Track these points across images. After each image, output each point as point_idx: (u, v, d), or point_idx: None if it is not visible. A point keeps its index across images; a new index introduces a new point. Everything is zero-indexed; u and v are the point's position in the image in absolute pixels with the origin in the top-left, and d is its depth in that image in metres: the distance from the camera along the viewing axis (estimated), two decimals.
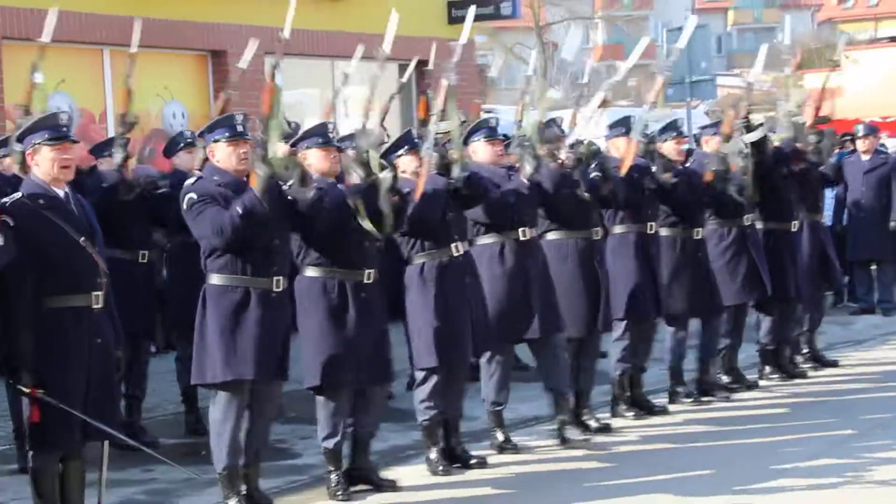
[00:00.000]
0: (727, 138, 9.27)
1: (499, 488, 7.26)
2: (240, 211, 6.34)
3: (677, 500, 6.88)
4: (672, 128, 9.22)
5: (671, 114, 11.13)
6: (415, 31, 16.17)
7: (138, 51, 8.37)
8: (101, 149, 8.78)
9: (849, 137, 14.36)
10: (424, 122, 7.73)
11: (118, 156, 8.05)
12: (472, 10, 8.37)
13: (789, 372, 10.21)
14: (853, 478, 7.19)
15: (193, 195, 6.50)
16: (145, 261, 8.41)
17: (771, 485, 7.05)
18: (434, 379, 7.46)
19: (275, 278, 6.56)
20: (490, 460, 7.73)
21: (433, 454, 7.51)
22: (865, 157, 13.69)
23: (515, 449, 7.93)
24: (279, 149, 6.47)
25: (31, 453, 5.97)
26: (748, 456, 7.76)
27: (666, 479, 7.29)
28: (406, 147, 7.48)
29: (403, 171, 7.40)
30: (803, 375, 10.28)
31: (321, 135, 7.06)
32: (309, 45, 14.95)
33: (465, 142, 8.02)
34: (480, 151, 7.96)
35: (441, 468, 7.45)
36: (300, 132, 7.27)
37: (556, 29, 51.66)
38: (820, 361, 10.66)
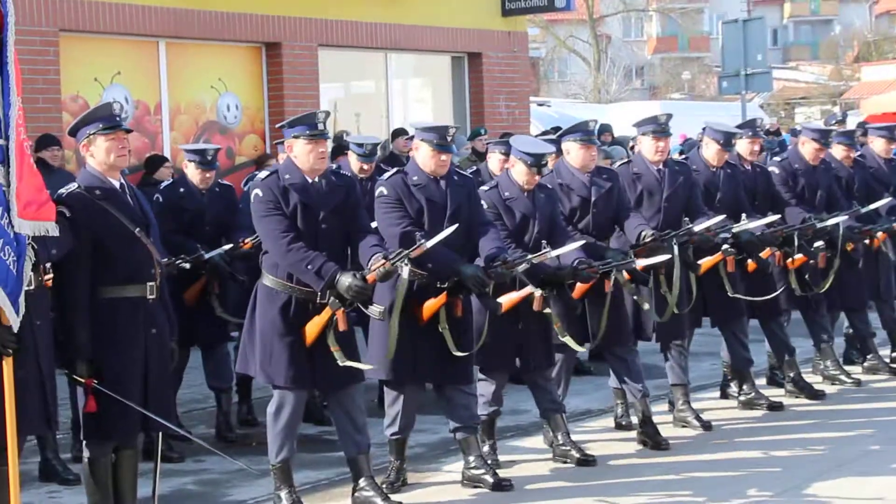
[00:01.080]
0: None
1: (549, 481, 7.25)
2: (313, 272, 6.34)
3: (725, 494, 6.85)
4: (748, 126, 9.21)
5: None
6: (468, 24, 16.21)
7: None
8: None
9: None
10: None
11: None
12: None
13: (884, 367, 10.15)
14: None
15: (259, 192, 6.51)
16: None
17: (820, 483, 7.00)
18: (494, 377, 7.48)
19: (319, 291, 6.47)
20: (541, 454, 7.73)
21: (486, 447, 7.50)
22: None
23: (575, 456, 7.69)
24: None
25: (85, 442, 6.03)
26: (797, 453, 7.71)
27: (719, 476, 7.25)
28: (530, 163, 7.40)
29: (512, 174, 7.44)
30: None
31: (440, 135, 6.98)
32: (364, 37, 14.98)
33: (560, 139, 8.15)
34: (574, 152, 7.93)
35: (492, 461, 7.43)
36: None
37: (609, 21, 51.47)
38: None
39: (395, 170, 7.16)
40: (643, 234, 7.82)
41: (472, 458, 7.11)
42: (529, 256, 7.05)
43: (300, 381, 6.54)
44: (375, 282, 6.38)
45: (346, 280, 6.31)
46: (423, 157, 7.02)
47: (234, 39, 13.81)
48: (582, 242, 7.41)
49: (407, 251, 6.52)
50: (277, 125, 6.94)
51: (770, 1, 65.19)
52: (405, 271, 6.51)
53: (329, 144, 12.93)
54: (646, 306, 7.89)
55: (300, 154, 6.54)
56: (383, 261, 6.36)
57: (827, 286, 9.31)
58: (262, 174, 6.70)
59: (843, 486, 6.93)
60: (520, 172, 7.42)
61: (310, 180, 6.54)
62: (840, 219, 9.21)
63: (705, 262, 8.39)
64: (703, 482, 7.11)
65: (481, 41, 16.37)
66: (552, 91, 48.16)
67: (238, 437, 8.48)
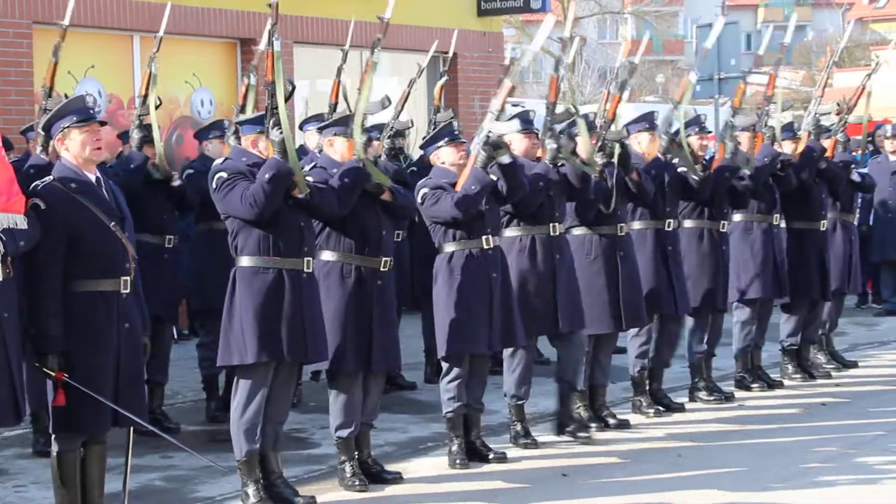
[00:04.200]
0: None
1: (517, 482, 7.26)
2: (267, 176, 6.37)
3: (694, 497, 6.88)
4: (695, 123, 9.23)
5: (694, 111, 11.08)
6: (443, 23, 16.19)
7: (163, 36, 8.47)
8: (206, 132, 8.92)
9: (870, 139, 14.34)
10: (437, 110, 7.73)
11: (136, 136, 8.18)
12: None
13: (810, 372, 10.18)
14: (872, 480, 7.17)
15: (223, 174, 6.53)
16: (171, 245, 8.45)
17: (788, 485, 7.04)
18: (458, 370, 7.48)
19: (305, 259, 6.59)
20: (509, 454, 7.73)
21: (454, 446, 7.51)
22: (893, 158, 13.62)
23: (535, 444, 7.91)
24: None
25: (53, 437, 5.99)
26: (766, 456, 7.74)
27: (684, 477, 7.28)
28: (447, 139, 7.49)
29: (443, 163, 7.49)
30: (827, 376, 10.23)
31: (344, 125, 7.07)
32: (340, 35, 14.94)
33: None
34: (516, 143, 7.95)
35: (460, 461, 7.45)
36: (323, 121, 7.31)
37: (585, 23, 51.54)
38: (839, 362, 10.63)
39: (311, 165, 7.11)
40: None
41: (365, 454, 7.20)
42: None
43: (300, 350, 6.55)
44: None
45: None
46: (341, 149, 7.04)
47: (208, 35, 13.77)
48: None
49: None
50: (235, 121, 6.96)
51: (744, 6, 65.48)
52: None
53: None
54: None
55: (264, 149, 6.64)
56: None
57: None
58: (219, 160, 6.74)
59: (808, 491, 6.97)
60: (447, 153, 7.49)
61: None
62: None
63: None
64: (670, 483, 7.14)
65: (457, 41, 16.35)
66: (527, 92, 48.17)
67: (208, 434, 8.47)
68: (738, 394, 9.37)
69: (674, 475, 7.33)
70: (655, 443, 8.12)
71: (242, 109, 7.12)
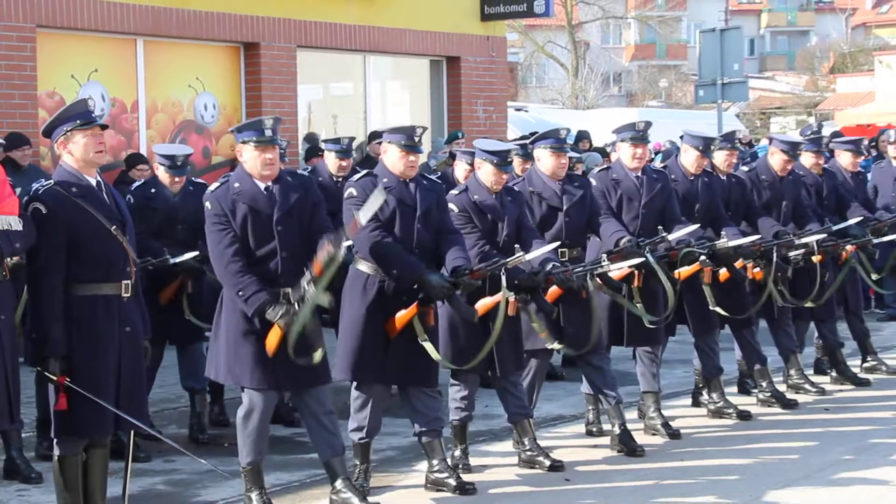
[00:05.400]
0: None
1: (519, 487, 7.26)
2: (243, 299, 6.34)
3: (696, 501, 6.87)
4: (727, 139, 9.28)
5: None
6: (447, 28, 16.22)
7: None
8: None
9: (874, 144, 14.35)
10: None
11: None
12: None
13: (851, 378, 10.19)
14: (873, 485, 7.18)
15: (208, 205, 6.53)
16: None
17: (789, 489, 7.04)
18: (467, 383, 7.48)
19: (282, 290, 6.44)
20: (512, 458, 7.72)
21: (457, 451, 7.51)
22: None
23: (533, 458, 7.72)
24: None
25: (55, 440, 6.00)
26: (768, 460, 7.74)
27: (686, 482, 7.28)
28: (468, 159, 7.52)
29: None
30: (867, 383, 10.20)
31: (408, 135, 7.01)
32: (343, 39, 14.97)
33: (532, 145, 8.19)
34: (544, 160, 7.93)
35: (463, 466, 7.45)
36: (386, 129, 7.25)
37: (588, 28, 51.60)
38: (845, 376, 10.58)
39: (364, 172, 7.16)
40: (621, 239, 7.85)
41: (435, 462, 7.11)
42: (503, 261, 7.05)
43: (268, 381, 6.51)
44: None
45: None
46: (392, 158, 7.02)
47: (212, 39, 13.78)
48: (555, 245, 7.43)
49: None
50: (229, 129, 6.88)
51: (747, 11, 65.50)
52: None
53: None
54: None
55: (249, 160, 6.54)
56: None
57: (816, 298, 9.25)
58: (214, 185, 6.67)
59: (812, 496, 6.97)
60: (487, 173, 7.43)
61: (261, 186, 6.52)
62: (818, 237, 9.22)
63: (683, 272, 8.41)
64: (672, 489, 7.14)
65: (460, 45, 16.38)
66: (530, 96, 48.23)
67: (210, 437, 8.47)
68: (739, 399, 9.35)
69: (676, 481, 7.33)
70: (658, 447, 8.11)
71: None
